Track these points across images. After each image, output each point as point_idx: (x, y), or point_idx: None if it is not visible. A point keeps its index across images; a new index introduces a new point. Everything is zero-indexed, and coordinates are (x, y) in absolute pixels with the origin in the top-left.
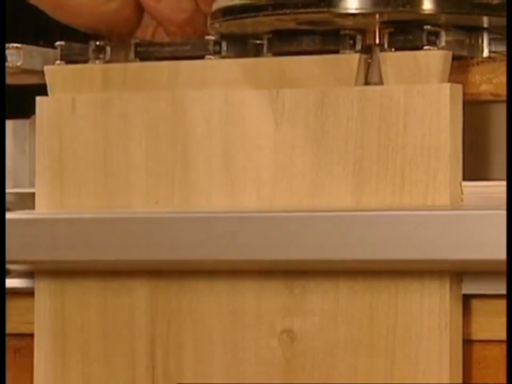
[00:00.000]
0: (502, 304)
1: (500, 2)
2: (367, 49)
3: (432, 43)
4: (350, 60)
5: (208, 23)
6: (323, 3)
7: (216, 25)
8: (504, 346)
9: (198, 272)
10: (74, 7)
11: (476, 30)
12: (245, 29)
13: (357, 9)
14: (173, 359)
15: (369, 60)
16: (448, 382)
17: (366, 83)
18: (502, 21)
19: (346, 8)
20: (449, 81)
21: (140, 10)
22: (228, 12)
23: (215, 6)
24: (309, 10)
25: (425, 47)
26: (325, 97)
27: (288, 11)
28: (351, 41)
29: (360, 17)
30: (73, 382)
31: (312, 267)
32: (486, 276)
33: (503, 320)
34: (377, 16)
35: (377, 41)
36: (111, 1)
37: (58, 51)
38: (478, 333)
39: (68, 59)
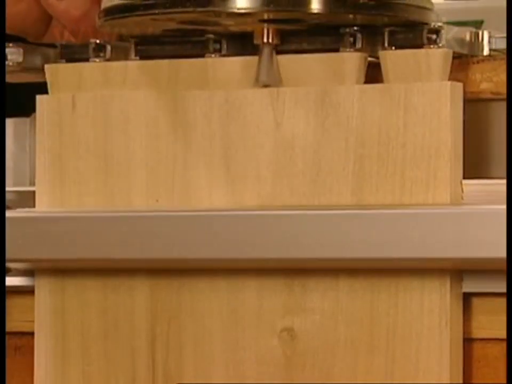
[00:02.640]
0: (502, 302)
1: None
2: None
3: (433, 41)
4: (351, 58)
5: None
6: (192, 3)
7: (100, 25)
8: (504, 344)
9: (198, 270)
10: None
11: (476, 29)
12: (128, 29)
13: (231, 8)
14: (173, 358)
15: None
16: (448, 381)
17: (257, 81)
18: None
19: (223, 8)
20: (449, 79)
21: None
22: (108, 12)
23: (102, 6)
24: (177, 10)
25: (425, 46)
26: (325, 96)
27: (156, 11)
28: (352, 40)
29: (239, 16)
30: (73, 380)
31: (312, 265)
32: (486, 274)
33: (503, 318)
34: (265, 16)
35: (265, 40)
36: (19, 2)
37: (58, 49)
38: (478, 331)
39: (68, 57)
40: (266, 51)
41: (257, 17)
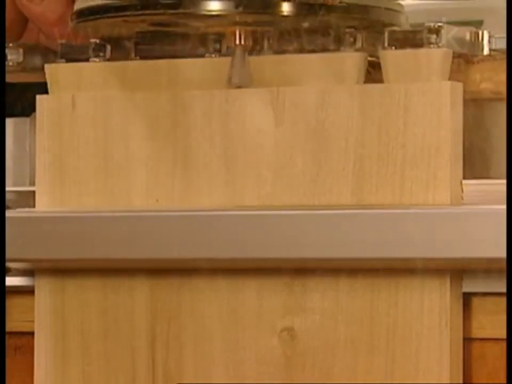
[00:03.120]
0: (502, 302)
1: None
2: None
3: (433, 41)
4: (351, 58)
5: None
6: (163, 5)
7: (72, 27)
8: (504, 344)
9: (198, 270)
10: None
11: (476, 28)
12: (101, 31)
13: (202, 11)
14: (173, 358)
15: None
16: (448, 381)
17: (229, 83)
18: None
19: (194, 10)
20: (449, 79)
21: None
22: (80, 14)
23: (75, 8)
24: (148, 12)
25: (425, 46)
26: (325, 95)
27: (128, 13)
28: (352, 40)
29: (210, 19)
30: (73, 380)
31: (312, 265)
32: (486, 274)
33: (503, 318)
34: (237, 18)
35: (237, 42)
36: None
37: (58, 49)
38: (478, 331)
39: (68, 57)
40: (238, 53)
41: (228, 20)
